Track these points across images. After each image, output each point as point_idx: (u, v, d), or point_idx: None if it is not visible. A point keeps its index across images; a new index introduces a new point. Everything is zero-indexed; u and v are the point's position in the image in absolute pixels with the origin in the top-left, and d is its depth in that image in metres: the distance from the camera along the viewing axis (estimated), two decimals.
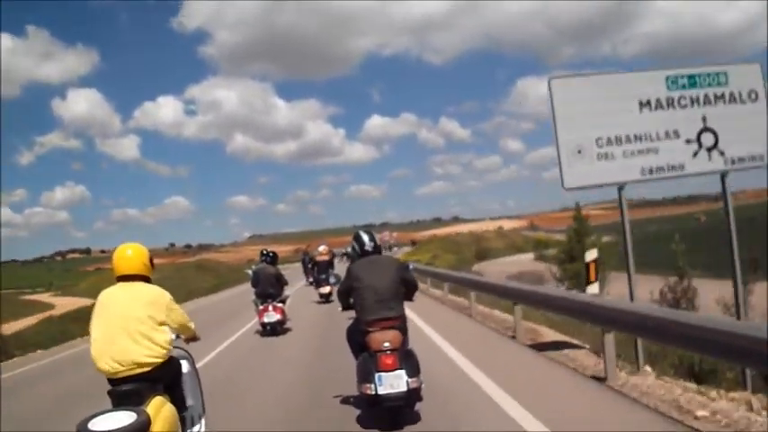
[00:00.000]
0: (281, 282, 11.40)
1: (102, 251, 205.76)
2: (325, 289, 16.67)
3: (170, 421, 3.44)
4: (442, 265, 38.88)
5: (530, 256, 63.23)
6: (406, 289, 5.12)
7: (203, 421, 4.21)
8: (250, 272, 12.05)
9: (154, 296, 3.67)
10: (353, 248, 5.47)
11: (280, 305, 11.25)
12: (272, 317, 11.10)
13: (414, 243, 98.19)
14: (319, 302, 16.55)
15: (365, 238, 5.34)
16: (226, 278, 42.89)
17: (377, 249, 5.32)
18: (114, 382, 3.47)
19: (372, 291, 4.88)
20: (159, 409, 3.38)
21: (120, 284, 3.69)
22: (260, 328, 11.34)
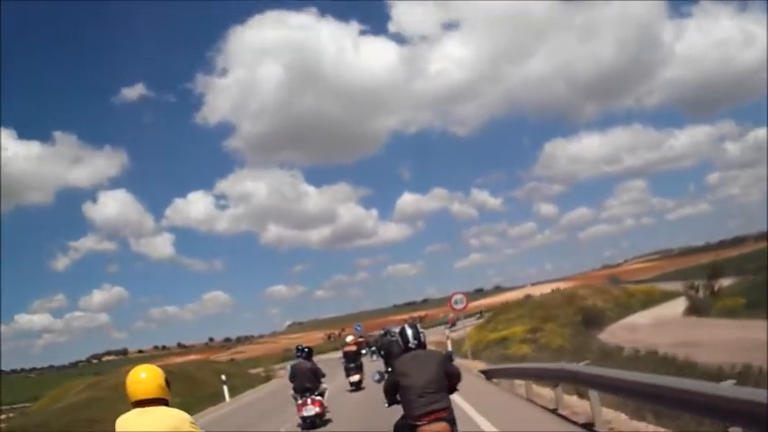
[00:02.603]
0: (317, 376, 11.69)
1: (140, 351, 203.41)
2: (355, 378, 17.95)
3: None
4: (567, 349, 23.68)
5: (672, 309, 42.10)
6: (450, 381, 5.18)
7: None
8: (287, 366, 12.66)
9: (174, 422, 3.41)
10: (398, 343, 5.58)
11: (318, 398, 11.48)
12: (310, 410, 11.31)
13: (480, 314, 69.61)
14: (351, 390, 17.65)
15: (409, 333, 5.34)
16: (196, 394, 24.97)
17: (420, 345, 5.38)
18: None
19: (418, 385, 4.91)
20: None
21: (137, 411, 3.45)
22: (300, 421, 11.54)
